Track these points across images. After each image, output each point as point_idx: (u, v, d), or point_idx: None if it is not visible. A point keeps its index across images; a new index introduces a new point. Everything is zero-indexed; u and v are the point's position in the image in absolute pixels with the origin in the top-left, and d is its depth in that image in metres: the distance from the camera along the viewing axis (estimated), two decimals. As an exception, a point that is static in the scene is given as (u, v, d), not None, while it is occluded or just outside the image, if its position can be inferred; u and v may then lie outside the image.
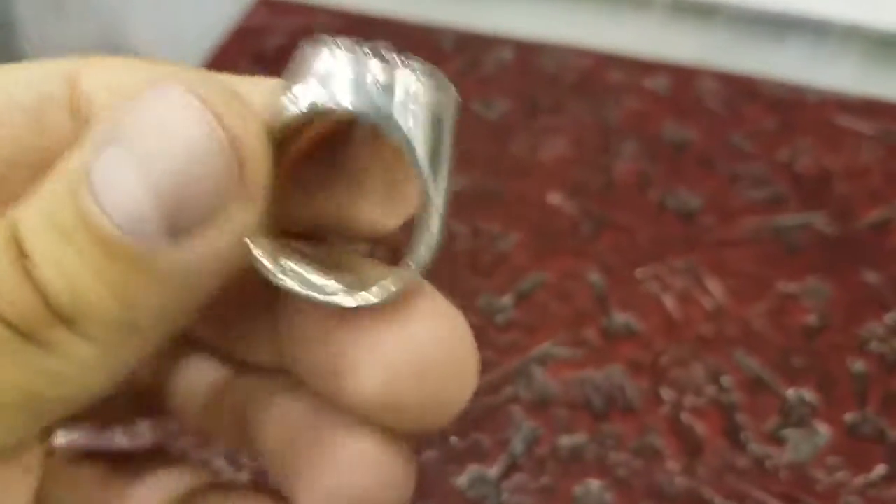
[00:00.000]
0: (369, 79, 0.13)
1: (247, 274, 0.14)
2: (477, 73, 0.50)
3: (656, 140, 0.45)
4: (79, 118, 0.15)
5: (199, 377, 0.18)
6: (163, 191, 0.12)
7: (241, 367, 0.17)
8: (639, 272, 0.39)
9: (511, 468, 0.33)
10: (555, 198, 0.42)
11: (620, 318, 0.37)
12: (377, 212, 0.15)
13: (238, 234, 0.13)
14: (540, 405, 0.34)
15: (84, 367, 0.13)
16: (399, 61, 0.13)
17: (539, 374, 0.35)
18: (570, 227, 0.41)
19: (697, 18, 0.55)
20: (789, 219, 0.41)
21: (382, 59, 0.13)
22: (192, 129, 0.12)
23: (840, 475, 0.32)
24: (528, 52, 0.51)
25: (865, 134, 0.45)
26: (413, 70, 0.13)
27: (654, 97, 0.48)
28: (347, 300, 0.14)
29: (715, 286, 0.38)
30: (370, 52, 0.13)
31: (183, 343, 0.18)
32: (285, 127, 0.13)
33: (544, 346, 0.36)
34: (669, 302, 0.38)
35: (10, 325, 0.12)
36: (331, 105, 0.13)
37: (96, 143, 0.12)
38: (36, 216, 0.13)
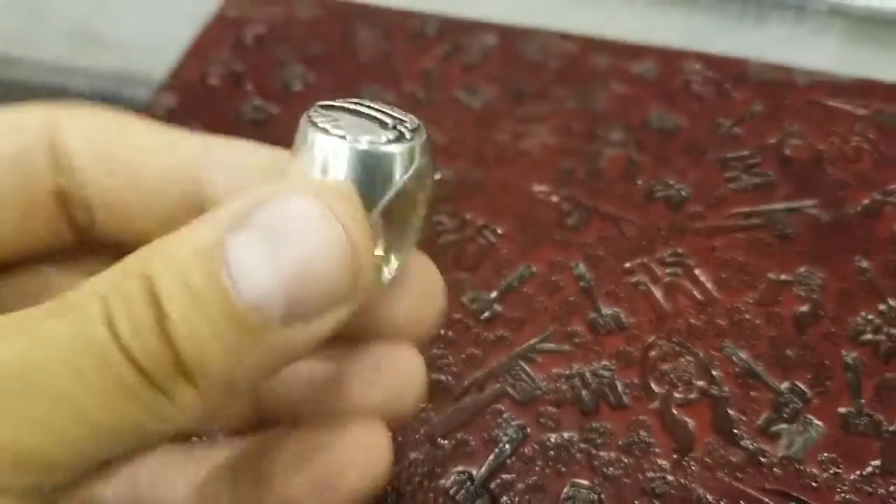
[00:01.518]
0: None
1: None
2: (461, 60, 0.49)
3: (643, 127, 0.44)
4: (59, 167, 0.17)
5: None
6: (289, 283, 0.14)
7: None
8: (627, 264, 0.38)
9: (498, 468, 0.32)
10: (540, 187, 0.41)
11: (608, 311, 0.36)
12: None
13: (339, 326, 0.15)
14: (527, 402, 0.33)
15: (185, 412, 0.15)
16: (392, 115, 0.17)
17: (526, 370, 0.34)
18: (557, 217, 0.40)
19: (679, 1, 0.54)
20: (780, 205, 0.40)
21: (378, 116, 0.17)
22: (323, 235, 0.15)
23: (835, 470, 0.31)
24: (511, 38, 0.50)
25: (856, 115, 0.45)
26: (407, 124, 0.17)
27: (641, 82, 0.47)
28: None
29: (705, 276, 0.37)
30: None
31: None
32: None
33: (531, 342, 0.35)
34: (658, 293, 0.37)
35: (143, 373, 0.14)
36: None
37: (230, 225, 0.14)
38: (171, 278, 0.14)
